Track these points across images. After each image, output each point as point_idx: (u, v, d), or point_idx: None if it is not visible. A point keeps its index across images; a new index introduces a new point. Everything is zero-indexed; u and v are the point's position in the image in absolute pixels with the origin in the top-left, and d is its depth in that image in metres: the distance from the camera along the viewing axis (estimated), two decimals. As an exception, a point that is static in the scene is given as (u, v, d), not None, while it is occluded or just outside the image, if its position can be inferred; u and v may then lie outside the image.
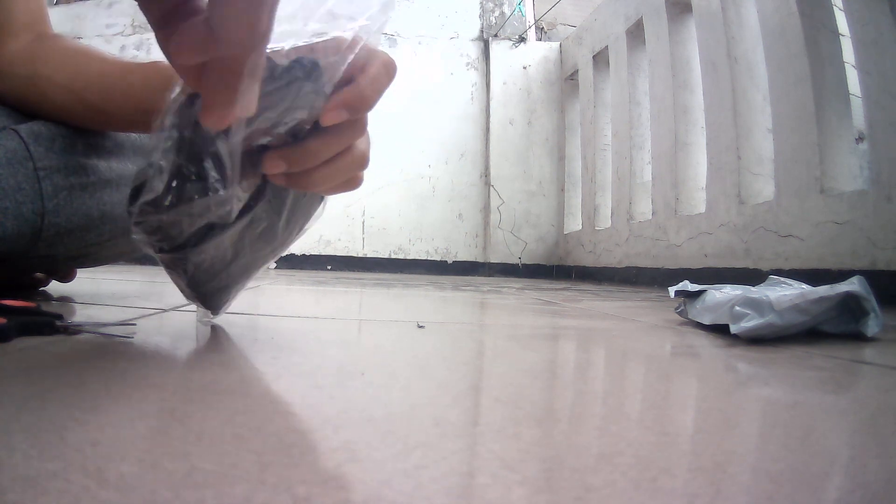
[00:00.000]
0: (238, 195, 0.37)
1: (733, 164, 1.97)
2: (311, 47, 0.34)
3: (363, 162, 0.39)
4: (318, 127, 0.35)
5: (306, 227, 0.48)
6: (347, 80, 0.34)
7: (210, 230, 0.40)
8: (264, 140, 0.35)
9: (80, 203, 0.56)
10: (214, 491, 0.18)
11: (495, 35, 3.59)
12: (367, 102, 0.35)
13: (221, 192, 0.36)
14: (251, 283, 0.51)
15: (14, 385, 0.30)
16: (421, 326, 0.65)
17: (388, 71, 0.35)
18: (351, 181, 0.40)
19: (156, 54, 0.33)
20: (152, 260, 0.44)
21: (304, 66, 0.33)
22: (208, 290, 0.46)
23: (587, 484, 0.20)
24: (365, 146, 0.39)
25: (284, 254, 0.49)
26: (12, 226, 0.52)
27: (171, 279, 0.45)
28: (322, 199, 0.47)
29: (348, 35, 0.34)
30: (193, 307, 0.52)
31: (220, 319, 0.57)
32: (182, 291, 0.46)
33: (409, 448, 0.23)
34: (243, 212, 0.40)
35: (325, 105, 0.34)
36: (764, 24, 1.83)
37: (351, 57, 0.34)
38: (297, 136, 0.36)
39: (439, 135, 3.51)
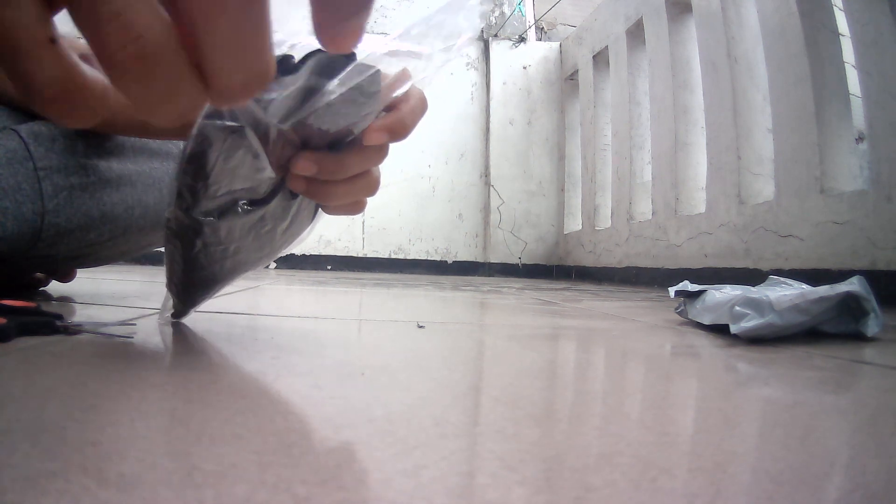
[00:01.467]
0: (270, 174, 0.38)
1: (733, 164, 1.97)
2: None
3: (375, 187, 0.41)
4: (353, 144, 0.37)
5: (293, 244, 0.48)
6: (389, 108, 0.37)
7: (227, 210, 0.40)
8: (304, 136, 0.36)
9: (81, 203, 0.56)
10: (214, 491, 0.18)
11: (495, 35, 3.59)
12: (405, 131, 0.37)
13: (260, 158, 0.37)
14: (239, 286, 0.51)
15: (14, 385, 0.30)
16: (421, 326, 0.65)
17: (423, 106, 0.38)
18: (357, 205, 0.42)
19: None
20: (152, 260, 0.44)
21: (376, 83, 0.34)
22: (196, 280, 0.46)
23: (587, 484, 0.20)
24: (378, 174, 0.41)
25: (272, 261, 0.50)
26: (12, 226, 0.52)
27: (166, 257, 0.44)
28: (312, 221, 0.47)
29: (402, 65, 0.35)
30: (191, 308, 0.52)
31: (220, 319, 0.57)
32: (168, 276, 0.45)
33: (409, 448, 0.23)
34: (259, 203, 0.41)
35: (372, 124, 0.36)
36: (764, 24, 1.83)
37: (405, 88, 0.36)
38: (334, 148, 0.38)
39: (439, 135, 3.51)
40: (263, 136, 0.36)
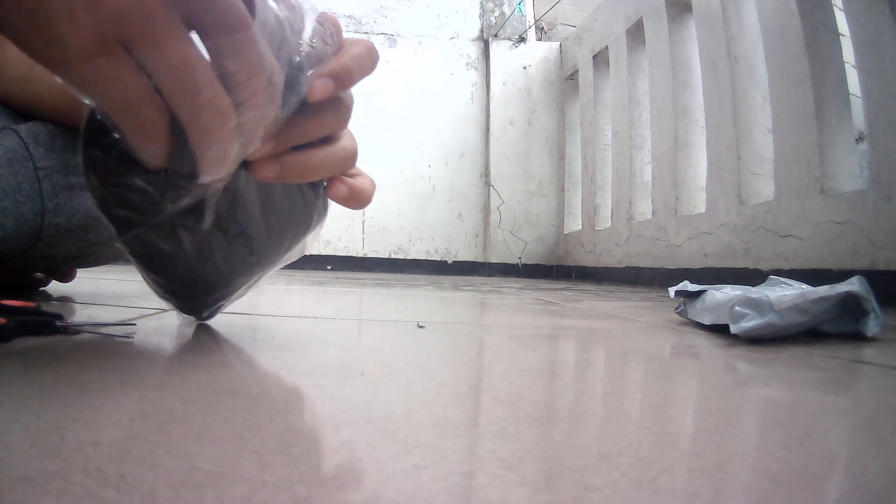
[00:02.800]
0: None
1: (733, 164, 1.97)
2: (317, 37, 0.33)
3: (352, 155, 0.38)
4: (301, 109, 0.33)
5: (303, 243, 0.46)
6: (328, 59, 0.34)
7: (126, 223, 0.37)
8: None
9: (80, 203, 0.56)
10: (214, 491, 0.18)
11: (495, 35, 3.59)
12: (351, 74, 0.34)
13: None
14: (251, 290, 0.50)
15: (14, 385, 0.30)
16: (421, 326, 0.65)
17: (371, 53, 0.36)
18: (357, 195, 0.39)
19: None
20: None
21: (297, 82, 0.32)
22: (175, 291, 0.44)
23: (587, 484, 0.20)
24: (350, 142, 0.38)
25: (280, 267, 0.48)
26: (12, 225, 0.52)
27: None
28: (311, 212, 0.45)
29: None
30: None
31: (220, 320, 0.57)
32: (147, 284, 0.44)
33: (409, 448, 0.23)
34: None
35: (312, 79, 0.33)
36: (764, 24, 1.83)
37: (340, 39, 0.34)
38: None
39: (439, 135, 3.51)
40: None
